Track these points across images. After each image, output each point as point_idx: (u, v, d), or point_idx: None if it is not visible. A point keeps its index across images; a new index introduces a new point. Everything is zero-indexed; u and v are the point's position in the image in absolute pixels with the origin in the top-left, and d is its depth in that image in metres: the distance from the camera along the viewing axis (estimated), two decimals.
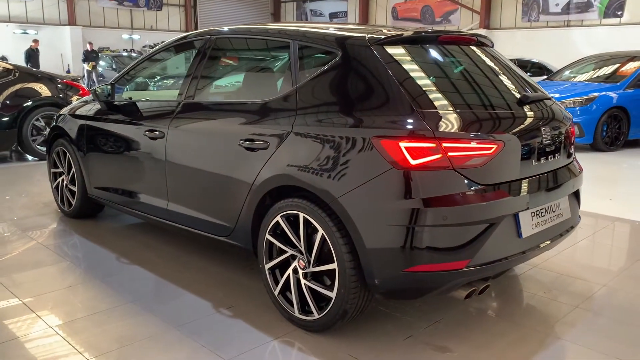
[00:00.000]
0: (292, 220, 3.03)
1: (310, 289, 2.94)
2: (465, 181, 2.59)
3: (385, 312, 3.21)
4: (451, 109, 2.72)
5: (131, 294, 3.47)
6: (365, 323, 3.06)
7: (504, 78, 3.17)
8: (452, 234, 2.57)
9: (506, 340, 2.97)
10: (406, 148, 2.54)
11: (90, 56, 21.31)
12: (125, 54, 23.76)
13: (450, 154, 2.55)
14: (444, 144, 2.55)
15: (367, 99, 2.79)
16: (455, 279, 2.64)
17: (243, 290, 3.53)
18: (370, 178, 2.60)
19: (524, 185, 2.82)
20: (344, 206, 2.66)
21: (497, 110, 2.89)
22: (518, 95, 3.04)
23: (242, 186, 3.21)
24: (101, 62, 21.58)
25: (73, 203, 4.92)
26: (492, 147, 2.65)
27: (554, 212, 3.03)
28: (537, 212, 2.90)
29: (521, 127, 2.87)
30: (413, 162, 2.54)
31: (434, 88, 2.84)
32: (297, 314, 3.00)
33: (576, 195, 3.31)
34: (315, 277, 2.96)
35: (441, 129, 2.59)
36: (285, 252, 3.05)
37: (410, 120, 2.62)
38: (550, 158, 3.01)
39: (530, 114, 2.97)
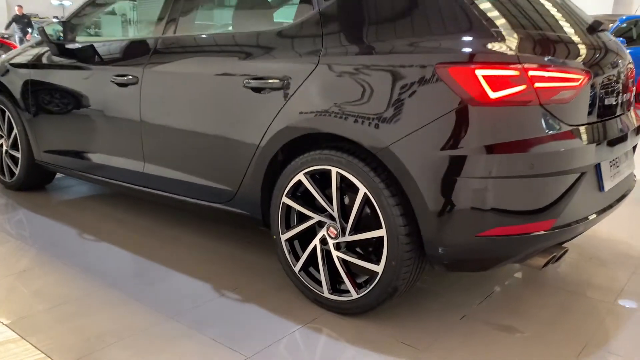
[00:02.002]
0: (319, 179, 2.42)
1: (345, 262, 2.36)
2: (553, 121, 2.05)
3: (423, 288, 2.68)
4: (532, 31, 2.17)
5: (105, 277, 2.77)
6: (405, 303, 2.51)
7: (569, 5, 2.65)
8: (538, 188, 2.04)
9: (575, 314, 2.50)
10: (484, 77, 1.97)
11: (22, 21, 19.42)
12: (55, 20, 21.89)
13: (537, 84, 2.00)
14: (530, 73, 1.99)
15: (427, 16, 2.18)
16: (539, 243, 2.13)
17: (247, 268, 2.90)
18: (434, 119, 2.02)
19: (603, 129, 2.32)
20: (397, 157, 2.08)
21: (574, 37, 2.36)
22: (587, 23, 2.53)
23: (248, 138, 2.56)
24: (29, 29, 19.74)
25: (16, 172, 4.08)
26: (580, 79, 2.13)
27: (622, 164, 2.57)
28: (613, 162, 2.43)
29: (600, 58, 2.36)
30: (493, 95, 1.97)
31: (510, 6, 2.26)
32: (326, 294, 2.42)
33: (634, 150, 2.86)
34: (350, 248, 2.38)
35: (526, 54, 2.03)
36: (310, 218, 2.45)
37: (487, 42, 2.04)
38: (620, 99, 2.53)
39: (602, 44, 2.47)
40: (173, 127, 2.92)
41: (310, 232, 2.50)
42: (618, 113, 2.49)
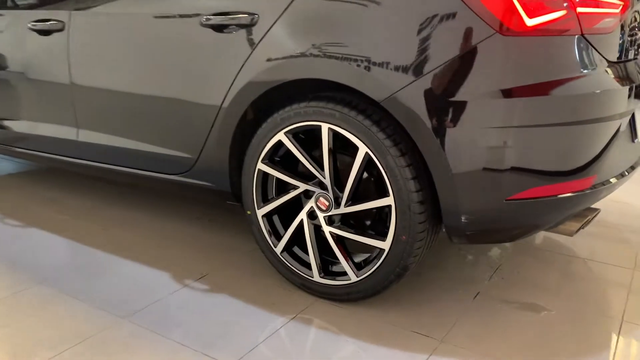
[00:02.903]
0: (304, 139, 1.97)
1: (340, 240, 1.94)
2: (595, 55, 1.68)
3: (421, 263, 2.30)
4: None
5: (36, 271, 2.23)
6: (407, 284, 2.12)
7: None
8: (580, 138, 1.67)
9: (599, 284, 2.20)
10: (519, 0, 1.56)
11: None
12: None
13: (579, 9, 1.61)
14: None
15: None
16: (577, 205, 1.77)
17: (213, 252, 2.43)
18: (456, 55, 1.60)
19: (637, 70, 1.98)
20: (409, 105, 1.65)
21: None
22: None
23: (210, 93, 2.06)
24: None
25: None
26: (620, 5, 1.76)
27: None
28: None
29: None
30: (529, 22, 1.57)
31: None
32: (317, 278, 1.99)
33: None
34: (346, 222, 1.95)
35: None
36: (294, 187, 2.00)
37: None
38: None
39: None
40: (112, 84, 2.37)
41: (294, 205, 2.05)
42: None
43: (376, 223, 1.98)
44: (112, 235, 2.58)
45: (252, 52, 1.92)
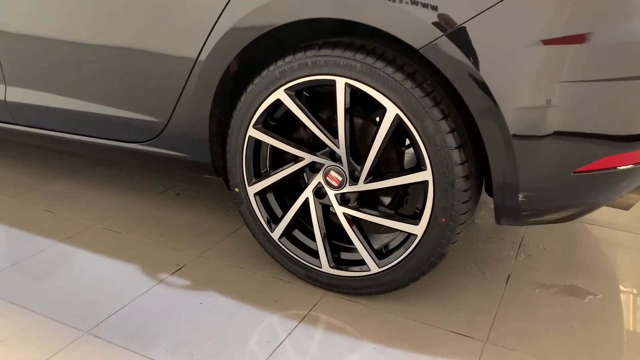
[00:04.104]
0: (308, 98, 1.57)
1: (357, 223, 1.57)
2: None
3: None
4: None
5: None
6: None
7: None
8: None
9: (635, 255, 1.96)
10: None
11: None
12: None
13: None
14: None
15: None
16: None
17: (185, 236, 2.01)
18: None
19: None
20: (460, 53, 1.26)
21: None
22: None
23: (182, 41, 1.61)
24: None
25: None
26: None
27: None
28: None
29: None
30: None
31: None
32: (326, 268, 1.63)
33: None
34: (363, 202, 1.59)
35: None
36: (297, 159, 1.60)
37: None
38: None
39: None
40: (47, 31, 1.86)
41: (292, 181, 1.67)
42: None
43: (399, 203, 1.63)
44: (59, 219, 2.11)
45: None
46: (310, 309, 1.60)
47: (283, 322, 1.54)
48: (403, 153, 1.60)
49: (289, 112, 1.56)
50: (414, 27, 1.29)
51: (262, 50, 1.57)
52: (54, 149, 2.43)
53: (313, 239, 1.66)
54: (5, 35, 1.96)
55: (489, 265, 1.85)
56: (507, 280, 1.78)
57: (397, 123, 1.40)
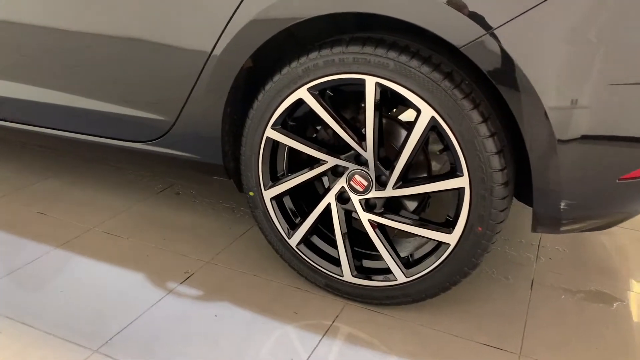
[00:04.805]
0: (332, 97, 1.47)
1: (382, 230, 1.49)
2: None
3: None
4: None
5: None
6: None
7: None
8: None
9: None
10: None
11: None
12: None
13: None
14: None
15: None
16: None
17: (191, 239, 1.89)
18: None
19: None
20: (505, 52, 1.17)
21: None
22: None
23: (195, 33, 1.48)
24: None
25: None
26: None
27: None
28: None
29: None
30: None
31: None
32: (348, 277, 1.54)
33: None
34: (390, 208, 1.50)
35: None
36: (318, 162, 1.50)
37: None
38: None
39: None
40: (43, 16, 1.71)
41: (309, 185, 1.57)
42: None
43: (418, 208, 1.55)
44: (53, 222, 1.98)
45: None
46: (333, 321, 1.51)
47: (305, 336, 1.45)
48: (430, 156, 1.52)
49: (310, 112, 1.46)
50: (456, 24, 1.20)
51: (275, 46, 1.46)
52: (42, 145, 2.28)
53: (333, 246, 1.57)
54: None
55: (510, 270, 1.79)
56: (532, 285, 1.71)
57: (432, 125, 1.31)
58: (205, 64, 1.50)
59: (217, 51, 1.46)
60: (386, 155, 1.45)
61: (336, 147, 1.50)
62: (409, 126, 1.44)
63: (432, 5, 1.20)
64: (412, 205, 1.54)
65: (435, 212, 1.66)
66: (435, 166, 1.57)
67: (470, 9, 1.18)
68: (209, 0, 1.44)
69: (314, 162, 1.52)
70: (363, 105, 1.52)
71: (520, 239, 1.97)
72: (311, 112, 1.45)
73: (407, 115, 1.55)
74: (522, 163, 1.33)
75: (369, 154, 1.41)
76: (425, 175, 1.51)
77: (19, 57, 1.81)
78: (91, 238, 1.87)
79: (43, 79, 1.81)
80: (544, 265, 1.83)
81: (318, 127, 1.59)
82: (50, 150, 2.54)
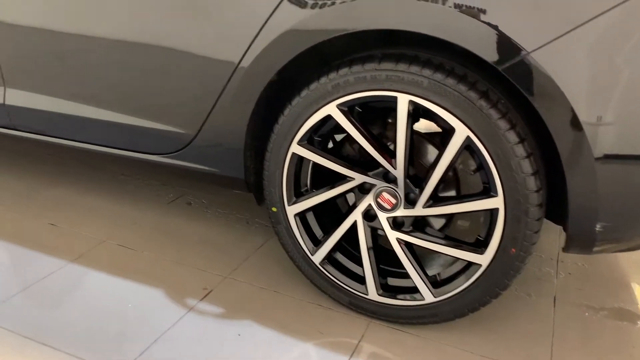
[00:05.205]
0: (362, 113, 1.44)
1: (411, 249, 1.46)
2: None
3: None
4: None
5: None
6: None
7: None
8: None
9: None
10: None
11: None
12: None
13: None
14: None
15: None
16: None
17: (206, 251, 1.86)
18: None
19: None
20: (545, 72, 1.15)
21: None
22: None
23: (222, 43, 1.45)
24: None
25: None
26: None
27: None
28: None
29: None
30: None
31: None
32: (373, 295, 1.51)
33: None
34: (418, 226, 1.47)
35: None
36: (345, 179, 1.47)
37: None
38: None
39: None
40: (53, 22, 1.66)
41: (332, 200, 1.54)
42: None
43: (445, 226, 1.53)
44: (64, 234, 1.93)
45: None
46: (359, 340, 1.48)
47: (332, 357, 1.42)
48: (458, 174, 1.49)
49: (334, 129, 1.43)
50: (496, 45, 1.17)
51: (298, 59, 1.42)
52: (51, 153, 2.23)
53: (358, 263, 1.54)
54: (6, 28, 1.76)
55: (532, 286, 1.77)
56: (554, 302, 1.70)
57: (467, 144, 1.29)
58: (231, 76, 1.46)
59: (245, 63, 1.42)
60: (415, 172, 1.43)
61: (362, 163, 1.47)
62: (438, 143, 1.43)
63: (473, 26, 1.17)
64: (438, 223, 1.52)
65: (458, 228, 1.64)
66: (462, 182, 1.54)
67: (510, 29, 1.16)
68: (238, 10, 1.40)
69: (338, 178, 1.49)
70: (390, 120, 1.50)
71: (539, 254, 1.95)
72: (338, 127, 1.42)
73: (424, 126, 1.52)
74: (552, 183, 1.31)
75: (398, 172, 1.39)
76: (453, 192, 1.48)
77: (36, 66, 1.77)
78: (105, 251, 1.83)
79: (59, 89, 1.76)
80: (564, 281, 1.82)
81: (342, 143, 1.56)
82: (56, 157, 2.48)
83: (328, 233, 1.54)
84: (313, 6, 1.29)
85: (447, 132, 1.32)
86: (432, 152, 1.47)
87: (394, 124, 1.44)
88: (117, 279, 1.69)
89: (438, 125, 1.44)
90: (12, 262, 1.76)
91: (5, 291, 1.60)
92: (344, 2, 1.26)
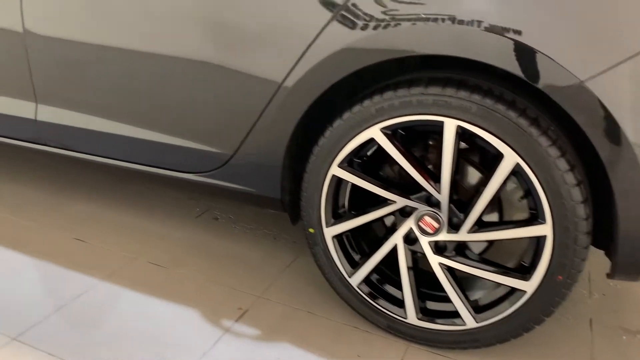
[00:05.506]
0: (405, 136, 1.42)
1: (452, 273, 1.44)
2: None
3: None
4: None
5: (3, 318, 1.56)
6: None
7: None
8: None
9: None
10: None
11: None
12: None
13: None
14: None
15: None
16: None
17: (237, 269, 1.84)
18: None
19: None
20: (599, 101, 1.14)
21: None
22: None
23: (264, 60, 1.44)
24: None
25: None
26: None
27: None
28: None
29: None
30: None
31: None
32: (412, 319, 1.50)
33: None
34: (461, 251, 1.45)
35: None
36: (386, 202, 1.46)
37: None
38: None
39: None
40: (91, 34, 1.65)
41: (378, 224, 1.53)
42: None
43: (486, 251, 1.51)
44: (93, 250, 1.92)
45: (343, 6, 1.30)
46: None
47: None
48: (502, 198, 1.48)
49: (377, 152, 1.42)
50: (550, 72, 1.16)
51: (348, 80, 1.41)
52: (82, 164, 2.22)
53: (396, 286, 1.53)
54: (40, 40, 1.74)
55: (567, 307, 1.75)
56: (591, 325, 1.68)
57: (516, 171, 1.27)
58: (273, 96, 1.45)
59: (289, 82, 1.40)
60: (459, 197, 1.41)
61: (403, 185, 1.46)
62: (478, 163, 1.42)
63: (529, 55, 1.16)
64: (479, 247, 1.50)
65: (496, 252, 1.62)
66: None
67: (564, 58, 1.14)
68: (285, 28, 1.39)
69: (377, 199, 1.48)
70: (431, 142, 1.49)
71: None
72: (379, 150, 1.41)
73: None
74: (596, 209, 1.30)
75: (442, 197, 1.37)
76: (496, 216, 1.47)
77: (70, 83, 1.76)
78: (136, 269, 1.82)
79: (93, 105, 1.75)
80: (598, 302, 1.80)
81: (382, 165, 1.55)
82: (79, 170, 2.47)
83: (365, 255, 1.53)
84: (364, 27, 1.28)
85: (485, 150, 1.32)
86: (474, 174, 1.45)
87: (435, 146, 1.44)
88: (151, 299, 1.67)
89: (476, 145, 1.42)
90: (44, 280, 1.74)
91: (41, 311, 1.59)
92: (398, 24, 1.25)
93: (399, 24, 1.24)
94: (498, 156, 1.28)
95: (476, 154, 1.45)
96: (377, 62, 1.30)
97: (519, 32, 1.16)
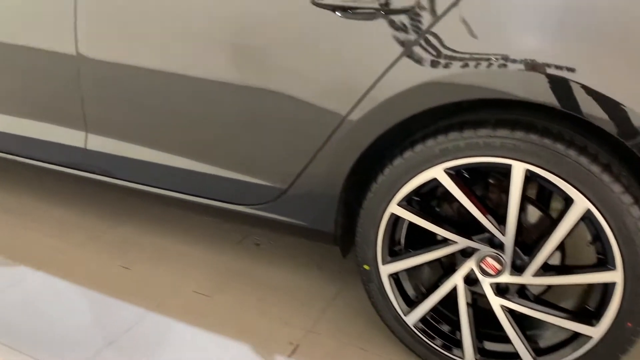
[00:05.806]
0: (467, 178, 1.40)
1: (515, 316, 1.42)
2: None
3: None
4: None
5: (44, 346, 1.56)
6: None
7: None
8: None
9: None
10: None
11: None
12: None
13: None
14: None
15: None
16: None
17: (284, 301, 1.82)
18: None
19: None
20: None
21: None
22: None
23: (329, 93, 1.42)
24: None
25: None
26: None
27: None
28: None
29: None
30: None
31: None
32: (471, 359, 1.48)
33: None
34: (522, 294, 1.43)
35: None
36: (445, 241, 1.44)
37: None
38: None
39: None
40: (148, 65, 1.64)
41: (435, 265, 1.51)
42: None
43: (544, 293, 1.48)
44: (138, 278, 1.91)
45: (411, 46, 1.29)
46: None
47: None
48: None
49: (437, 192, 1.40)
50: (626, 121, 1.14)
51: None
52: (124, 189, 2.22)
53: (453, 326, 1.51)
54: (94, 64, 1.71)
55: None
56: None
57: (587, 217, 1.25)
58: (335, 129, 1.43)
59: (354, 115, 1.38)
60: (522, 239, 1.39)
61: (464, 225, 1.44)
62: (540, 204, 1.40)
63: (602, 102, 1.14)
64: (538, 288, 1.48)
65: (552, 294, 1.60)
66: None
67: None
68: (352, 60, 1.37)
69: (435, 238, 1.46)
70: (492, 182, 1.47)
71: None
72: (439, 189, 1.39)
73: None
74: None
75: (507, 239, 1.35)
76: (558, 259, 1.44)
77: (122, 113, 1.75)
78: (183, 298, 1.81)
79: (143, 136, 1.74)
80: None
81: (440, 204, 1.53)
82: (117, 194, 2.47)
83: (422, 294, 1.51)
84: (435, 64, 1.26)
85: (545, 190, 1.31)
86: (537, 215, 1.43)
87: (497, 186, 1.42)
88: (200, 332, 1.66)
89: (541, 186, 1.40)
90: (92, 311, 1.74)
91: (93, 344, 1.58)
92: (478, 65, 1.23)
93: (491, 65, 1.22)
94: (567, 200, 1.26)
95: (539, 193, 1.44)
96: (458, 100, 1.28)
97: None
